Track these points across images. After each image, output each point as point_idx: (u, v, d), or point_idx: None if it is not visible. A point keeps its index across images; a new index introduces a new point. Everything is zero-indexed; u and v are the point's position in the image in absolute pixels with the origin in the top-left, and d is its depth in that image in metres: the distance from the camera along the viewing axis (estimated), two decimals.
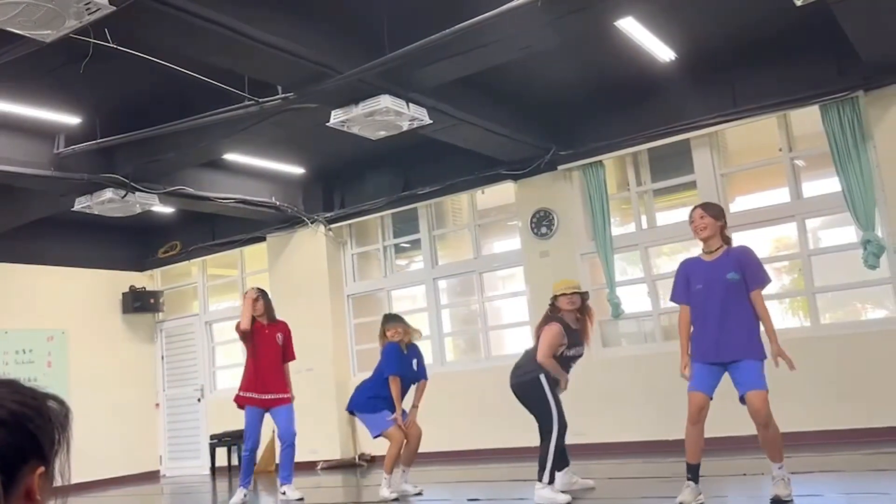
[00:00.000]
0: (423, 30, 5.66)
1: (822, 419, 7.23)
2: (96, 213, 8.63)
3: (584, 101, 8.41)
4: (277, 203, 10.10)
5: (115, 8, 4.38)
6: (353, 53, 6.11)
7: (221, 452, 10.96)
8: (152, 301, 11.97)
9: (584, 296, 5.93)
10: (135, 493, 10.22)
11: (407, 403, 6.85)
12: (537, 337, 5.85)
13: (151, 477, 11.68)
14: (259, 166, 9.46)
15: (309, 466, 9.63)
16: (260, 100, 6.50)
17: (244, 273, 11.77)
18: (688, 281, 5.07)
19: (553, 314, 5.86)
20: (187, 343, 12.11)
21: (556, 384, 5.78)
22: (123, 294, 11.84)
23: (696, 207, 5.16)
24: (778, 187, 8.09)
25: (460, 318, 10.87)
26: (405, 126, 6.85)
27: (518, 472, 7.03)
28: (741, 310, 4.81)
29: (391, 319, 6.99)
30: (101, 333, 11.46)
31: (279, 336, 7.33)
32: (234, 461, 10.81)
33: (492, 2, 5.26)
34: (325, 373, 10.15)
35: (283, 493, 7.13)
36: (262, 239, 11.16)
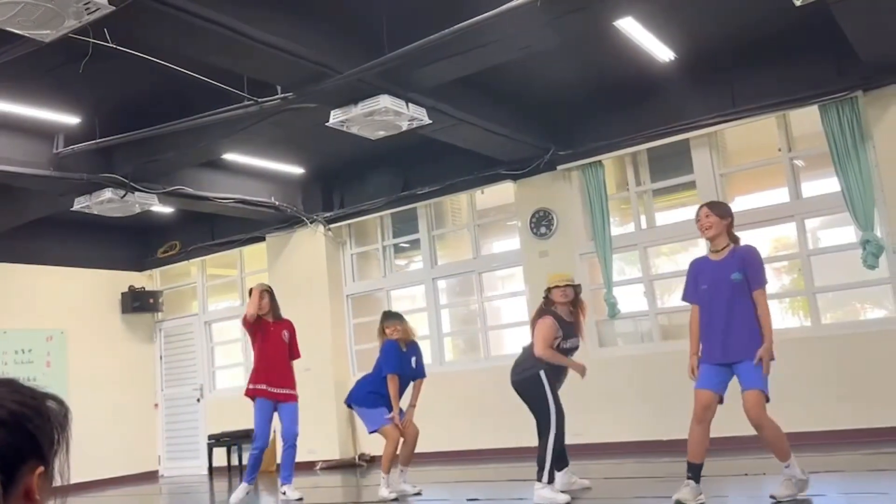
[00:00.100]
0: (423, 30, 5.66)
1: (823, 419, 7.22)
2: (95, 212, 8.63)
3: (583, 101, 8.41)
4: (277, 203, 10.10)
5: (114, 8, 4.38)
6: (352, 53, 6.11)
7: (220, 452, 10.96)
8: (151, 301, 11.98)
9: (576, 289, 5.95)
10: (133, 493, 10.21)
11: (405, 401, 6.84)
12: (533, 331, 5.87)
13: (150, 477, 11.67)
14: (258, 166, 9.46)
15: (308, 466, 9.63)
16: (259, 100, 6.50)
17: (243, 273, 11.77)
18: (696, 280, 5.06)
19: (547, 307, 5.88)
20: (186, 343, 12.10)
21: (556, 381, 5.78)
22: (122, 294, 11.84)
23: (702, 206, 5.14)
24: (777, 187, 8.09)
25: (460, 318, 10.87)
26: (404, 126, 6.86)
27: (517, 472, 7.03)
28: (745, 310, 4.79)
29: (390, 317, 6.98)
30: (101, 333, 11.45)
31: (285, 334, 7.35)
32: (234, 461, 10.82)
33: (491, 2, 5.26)
34: (324, 373, 10.15)
35: (284, 493, 7.13)
36: (262, 239, 11.16)
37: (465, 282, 10.32)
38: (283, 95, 6.47)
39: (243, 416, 10.56)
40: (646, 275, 8.76)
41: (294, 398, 7.27)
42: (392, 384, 6.65)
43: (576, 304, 5.95)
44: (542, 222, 9.16)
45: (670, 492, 4.87)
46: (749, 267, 4.84)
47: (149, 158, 7.94)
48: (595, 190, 8.67)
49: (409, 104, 6.66)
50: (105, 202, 8.28)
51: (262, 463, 7.29)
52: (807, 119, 7.71)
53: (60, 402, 1.18)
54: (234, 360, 11.99)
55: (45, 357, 10.76)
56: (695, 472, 4.81)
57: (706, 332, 4.93)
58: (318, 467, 9.87)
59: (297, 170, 9.93)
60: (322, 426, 9.90)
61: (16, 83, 6.28)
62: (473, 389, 9.37)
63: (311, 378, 9.72)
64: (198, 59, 5.74)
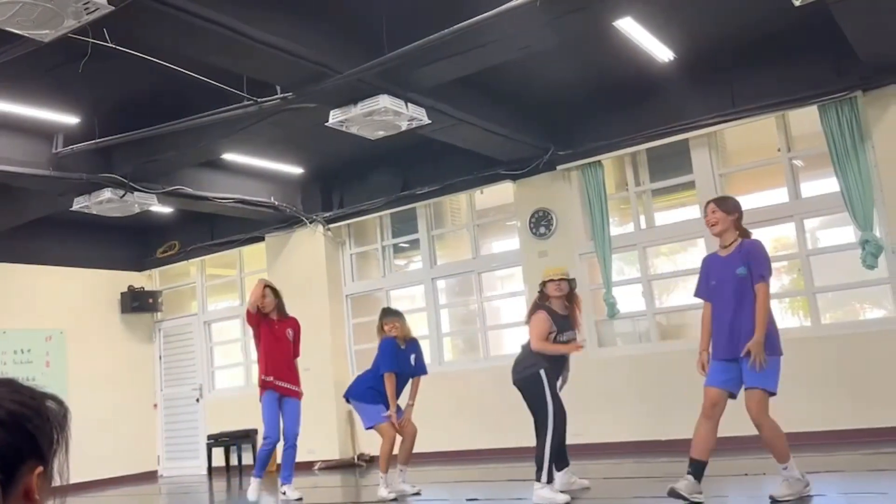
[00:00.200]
0: (422, 30, 5.66)
1: (822, 419, 7.22)
2: (95, 212, 8.63)
3: (582, 101, 8.41)
4: (276, 203, 10.10)
5: (113, 7, 4.37)
6: (351, 53, 6.11)
7: (219, 452, 10.97)
8: (151, 301, 11.98)
9: (571, 282, 5.95)
10: (133, 493, 10.21)
11: (404, 399, 6.83)
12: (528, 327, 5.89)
13: (149, 477, 11.67)
14: (258, 166, 9.45)
15: (307, 467, 9.62)
16: (259, 100, 6.50)
17: (243, 273, 11.77)
18: (707, 277, 5.06)
19: (541, 301, 5.89)
20: (186, 343, 12.10)
21: (557, 377, 5.78)
22: (122, 294, 11.83)
23: (709, 202, 5.12)
24: (776, 187, 8.09)
25: (459, 318, 10.87)
26: (404, 126, 6.85)
27: (517, 472, 7.02)
28: (751, 305, 4.75)
29: (389, 314, 6.96)
30: (100, 333, 11.45)
31: (289, 332, 7.34)
32: (233, 461, 10.83)
33: (491, 2, 5.26)
34: (323, 373, 10.14)
35: (284, 493, 7.12)
36: (261, 239, 11.16)
37: (465, 282, 10.32)
38: (282, 95, 6.47)
39: (242, 417, 10.60)
40: (644, 275, 8.76)
41: (297, 395, 7.27)
42: (388, 382, 6.64)
43: (570, 298, 5.96)
44: (541, 222, 9.16)
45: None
46: (752, 261, 4.82)
47: (148, 158, 7.94)
48: (594, 190, 8.67)
49: (409, 104, 6.66)
50: (104, 202, 8.28)
51: (271, 457, 7.23)
52: (806, 119, 7.71)
53: (60, 402, 1.18)
54: (233, 360, 11.99)
55: (45, 357, 10.75)
56: (696, 468, 4.75)
57: (716, 328, 4.92)
58: (316, 467, 9.87)
59: (296, 170, 9.93)
60: (321, 426, 9.90)
61: (15, 83, 6.28)
62: (473, 389, 9.37)
63: (310, 378, 9.69)
64: (197, 59, 5.74)
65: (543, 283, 5.93)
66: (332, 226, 10.61)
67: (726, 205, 5.02)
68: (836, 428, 7.18)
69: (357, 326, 10.65)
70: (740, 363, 4.76)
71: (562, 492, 5.57)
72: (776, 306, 8.10)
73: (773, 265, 5.04)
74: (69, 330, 11.01)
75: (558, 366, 5.85)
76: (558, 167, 8.90)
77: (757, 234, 5.42)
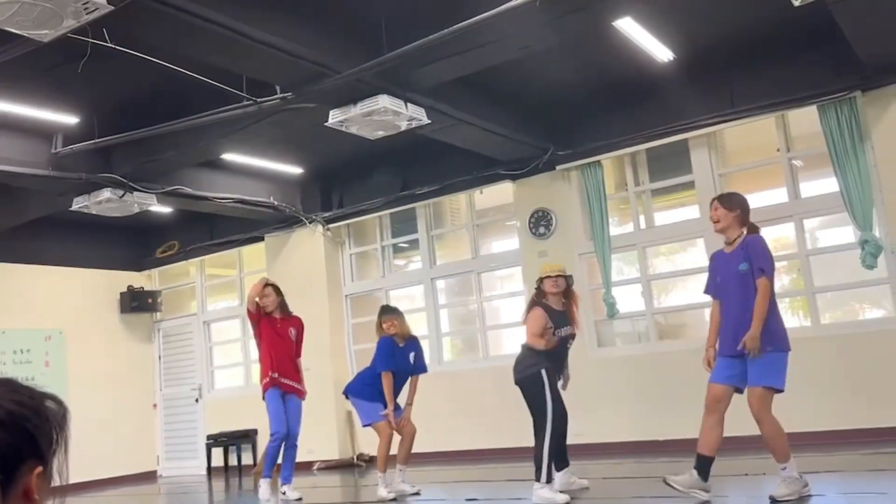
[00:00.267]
0: (422, 29, 5.65)
1: (822, 419, 7.22)
2: (94, 212, 8.62)
3: (582, 101, 8.41)
4: (276, 203, 10.10)
5: (113, 7, 4.37)
6: (351, 53, 6.11)
7: (218, 453, 10.97)
8: (150, 301, 11.97)
9: (568, 279, 5.98)
10: (132, 493, 10.20)
11: (403, 398, 6.83)
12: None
13: (149, 477, 11.66)
14: (257, 166, 9.45)
15: (306, 467, 9.62)
16: (258, 99, 6.50)
17: (242, 273, 11.77)
18: (714, 274, 5.07)
19: (538, 298, 5.93)
20: (185, 343, 12.10)
21: (556, 379, 5.79)
22: (121, 294, 11.83)
23: (713, 199, 5.12)
24: (776, 187, 8.09)
25: (458, 318, 10.87)
26: (403, 126, 6.85)
27: (516, 472, 7.02)
28: (753, 301, 4.74)
29: (387, 311, 6.94)
30: (99, 333, 11.45)
31: (292, 331, 7.32)
32: (232, 461, 10.83)
33: (490, 2, 5.26)
34: (323, 373, 10.13)
35: (283, 493, 7.12)
36: (261, 239, 11.15)
37: (464, 282, 10.32)
38: (282, 95, 6.46)
39: (242, 417, 10.61)
40: (644, 275, 8.76)
41: (300, 393, 7.25)
42: (385, 381, 6.63)
43: (567, 294, 5.99)
44: (540, 222, 9.16)
45: (668, 492, 4.86)
46: (752, 256, 4.81)
47: (147, 158, 7.94)
48: (594, 190, 8.67)
49: (408, 104, 6.65)
50: (104, 202, 8.28)
51: (279, 454, 7.13)
52: (805, 119, 7.72)
53: (59, 402, 1.18)
54: (232, 360, 11.98)
55: (44, 357, 10.75)
56: (700, 464, 4.75)
57: (722, 324, 4.93)
58: (315, 467, 9.87)
59: (295, 170, 9.93)
60: (321, 426, 9.89)
61: (14, 83, 6.28)
62: (472, 389, 9.37)
63: (309, 378, 9.63)
64: (197, 59, 5.74)
65: (540, 280, 5.97)
66: (331, 226, 10.61)
67: (727, 201, 5.02)
68: (836, 428, 7.19)
69: (356, 326, 10.64)
70: (746, 360, 4.76)
71: (561, 492, 5.57)
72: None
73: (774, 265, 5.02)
74: (68, 330, 11.01)
75: (558, 365, 5.86)
76: (558, 167, 8.90)
77: None
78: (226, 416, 11.04)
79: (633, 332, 9.14)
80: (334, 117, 6.60)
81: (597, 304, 8.73)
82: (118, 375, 11.48)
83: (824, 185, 7.76)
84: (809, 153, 8.08)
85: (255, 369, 9.37)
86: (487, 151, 8.74)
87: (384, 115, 6.53)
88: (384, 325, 6.79)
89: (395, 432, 6.69)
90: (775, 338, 4.74)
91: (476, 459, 8.96)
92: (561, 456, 5.82)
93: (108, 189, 8.18)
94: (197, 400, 11.80)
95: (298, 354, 7.38)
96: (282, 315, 7.31)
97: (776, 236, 8.36)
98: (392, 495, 6.49)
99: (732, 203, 4.99)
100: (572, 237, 9.00)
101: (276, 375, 7.09)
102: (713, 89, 7.91)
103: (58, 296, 10.97)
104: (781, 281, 8.53)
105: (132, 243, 12.02)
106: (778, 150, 8.05)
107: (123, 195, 8.27)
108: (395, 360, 6.72)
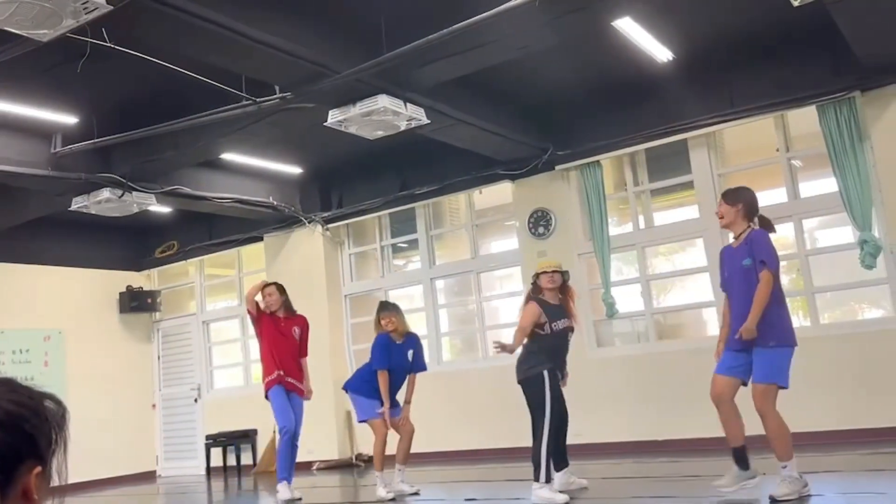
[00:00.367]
0: (421, 29, 5.66)
1: (821, 419, 7.22)
2: (93, 212, 8.62)
3: (581, 101, 8.41)
4: (275, 203, 10.10)
5: (112, 7, 4.37)
6: (350, 53, 6.11)
7: (217, 453, 10.97)
8: (149, 301, 11.97)
9: (564, 275, 6.01)
10: (131, 493, 10.20)
11: (401, 396, 6.81)
12: None
13: (148, 477, 11.66)
14: (256, 166, 9.45)
15: (305, 467, 9.62)
16: (257, 99, 6.50)
17: (241, 273, 11.76)
18: (723, 268, 5.09)
19: (534, 294, 5.96)
20: (184, 343, 12.10)
21: (558, 379, 5.79)
22: (120, 294, 11.83)
23: (721, 195, 5.16)
24: (775, 187, 8.09)
25: (458, 318, 10.87)
26: (403, 126, 6.85)
27: (515, 472, 7.02)
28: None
29: (385, 308, 6.90)
30: (98, 333, 11.44)
31: (296, 330, 7.29)
32: (231, 461, 10.82)
33: (490, 2, 5.26)
34: (322, 373, 10.09)
35: (278, 492, 7.10)
36: (260, 239, 11.15)
37: (464, 282, 10.32)
38: (281, 95, 6.46)
39: (241, 417, 10.61)
40: (643, 275, 8.77)
41: (302, 392, 7.23)
42: (381, 379, 6.61)
43: (563, 289, 6.03)
44: (540, 222, 9.16)
45: (668, 492, 4.87)
46: (755, 250, 4.83)
47: (147, 158, 7.93)
48: (593, 190, 8.67)
49: (408, 104, 6.65)
50: (103, 202, 8.28)
51: (292, 452, 7.04)
52: (804, 119, 7.72)
53: (58, 402, 1.18)
54: (232, 360, 11.98)
55: (43, 357, 10.75)
56: (736, 455, 4.81)
57: (731, 318, 4.95)
58: (315, 467, 9.86)
59: (295, 170, 9.93)
60: (320, 426, 9.88)
61: (14, 83, 6.28)
62: (471, 389, 9.37)
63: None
64: (196, 59, 5.74)
65: (537, 276, 6.01)
66: (330, 226, 10.60)
67: (730, 197, 5.05)
68: (836, 428, 7.19)
69: (356, 326, 10.64)
70: (751, 354, 4.77)
71: (560, 492, 5.57)
72: None
73: None
74: (68, 330, 11.00)
75: (559, 363, 5.87)
76: (557, 167, 8.90)
77: None
78: (225, 416, 11.04)
79: (632, 332, 9.14)
80: (333, 117, 6.60)
81: (596, 304, 8.73)
82: (117, 375, 11.48)
83: (823, 185, 7.77)
84: (809, 153, 8.08)
85: (255, 369, 9.36)
86: (487, 151, 8.74)
87: (383, 115, 6.53)
88: (382, 322, 6.77)
89: (392, 431, 6.68)
90: (780, 332, 4.75)
91: (475, 459, 8.96)
92: (560, 456, 5.82)
93: (108, 189, 8.18)
94: (196, 400, 11.80)
95: (304, 354, 7.35)
96: (286, 314, 7.29)
97: (776, 236, 8.34)
98: (391, 495, 6.48)
99: (735, 198, 5.02)
100: (571, 237, 9.00)
101: (281, 373, 7.08)
102: (712, 89, 7.91)
103: (57, 296, 10.96)
104: (781, 281, 8.53)
105: (131, 243, 12.02)
106: (777, 150, 8.05)
107: (122, 195, 8.27)
108: (392, 358, 6.69)
